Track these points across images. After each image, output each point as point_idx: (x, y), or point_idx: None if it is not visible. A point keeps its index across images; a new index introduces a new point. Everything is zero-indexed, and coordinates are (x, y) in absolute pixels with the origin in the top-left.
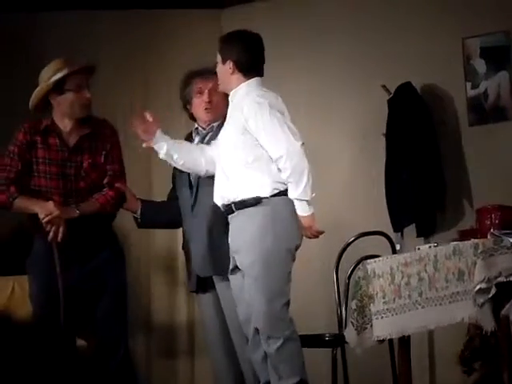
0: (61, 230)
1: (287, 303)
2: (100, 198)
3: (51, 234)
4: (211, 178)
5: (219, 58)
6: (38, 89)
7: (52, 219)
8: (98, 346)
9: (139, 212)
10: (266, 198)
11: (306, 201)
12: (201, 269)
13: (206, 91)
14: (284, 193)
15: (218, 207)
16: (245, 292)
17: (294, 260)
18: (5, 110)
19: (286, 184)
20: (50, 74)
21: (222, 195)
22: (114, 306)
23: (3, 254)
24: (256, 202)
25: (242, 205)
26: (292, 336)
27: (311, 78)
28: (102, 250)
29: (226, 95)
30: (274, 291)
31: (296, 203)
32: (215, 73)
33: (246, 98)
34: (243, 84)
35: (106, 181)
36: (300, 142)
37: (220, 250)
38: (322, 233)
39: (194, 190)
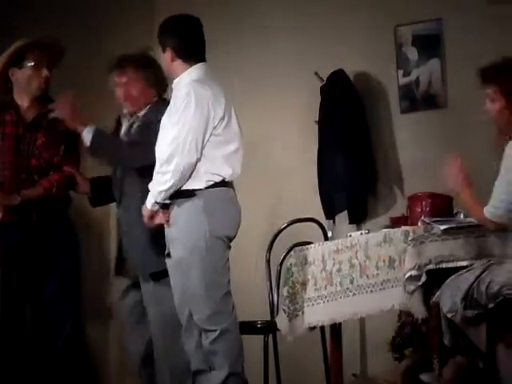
0: None
1: (226, 294)
2: (44, 182)
3: None
4: (138, 168)
5: (160, 48)
6: None
7: None
8: (44, 323)
9: (90, 192)
10: (200, 189)
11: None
12: (134, 268)
13: (121, 86)
14: (219, 184)
15: (143, 201)
16: (178, 280)
17: (228, 249)
18: None
19: (220, 176)
20: (11, 49)
21: None
22: (61, 286)
23: None
24: (190, 193)
25: (177, 196)
26: (229, 327)
27: (246, 65)
28: (53, 235)
29: (152, 83)
30: (210, 283)
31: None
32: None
33: (181, 89)
34: (185, 73)
35: (55, 161)
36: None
37: (146, 250)
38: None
39: (119, 181)
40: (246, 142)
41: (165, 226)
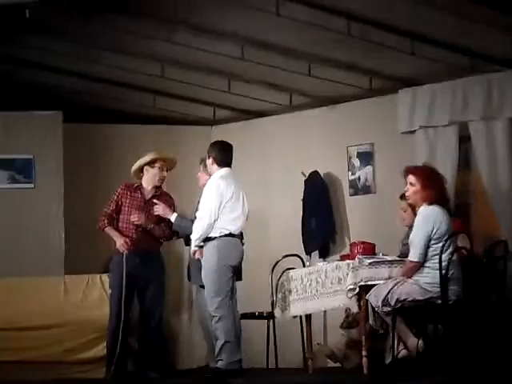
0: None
1: (226, 296)
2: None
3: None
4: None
5: (207, 155)
6: (139, 161)
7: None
8: (145, 313)
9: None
10: (216, 237)
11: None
12: (194, 279)
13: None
14: (227, 235)
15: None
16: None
17: (232, 272)
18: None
19: (228, 230)
20: (149, 156)
21: None
22: (155, 292)
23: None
24: (210, 239)
25: (205, 241)
26: (225, 315)
27: (265, 169)
28: (154, 259)
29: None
30: (217, 290)
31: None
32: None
33: (211, 181)
34: (216, 172)
35: (160, 221)
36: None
37: (199, 271)
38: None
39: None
40: (261, 209)
41: (200, 257)
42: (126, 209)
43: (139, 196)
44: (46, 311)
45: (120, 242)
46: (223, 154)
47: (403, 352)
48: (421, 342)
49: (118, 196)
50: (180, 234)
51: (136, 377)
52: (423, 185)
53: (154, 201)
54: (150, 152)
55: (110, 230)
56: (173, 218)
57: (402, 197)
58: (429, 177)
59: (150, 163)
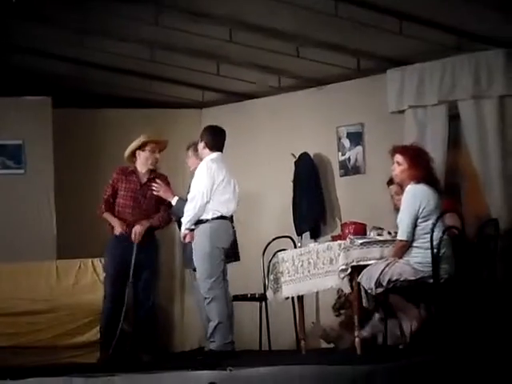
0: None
1: (218, 278)
2: (156, 217)
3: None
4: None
5: (199, 139)
6: (130, 145)
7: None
8: (139, 296)
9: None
10: (208, 219)
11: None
12: (189, 264)
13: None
14: (219, 217)
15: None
16: (198, 270)
17: (223, 254)
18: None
19: (220, 212)
20: (140, 139)
21: None
22: (149, 276)
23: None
24: (202, 222)
25: (196, 223)
26: (217, 296)
27: (255, 151)
28: (148, 244)
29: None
30: (208, 273)
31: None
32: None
33: (203, 164)
34: (207, 156)
35: (156, 206)
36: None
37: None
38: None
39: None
40: (252, 191)
41: (192, 241)
42: (122, 193)
43: (135, 179)
44: (38, 296)
45: (117, 227)
46: (215, 139)
47: (414, 325)
48: (422, 311)
49: (113, 181)
50: (176, 217)
51: (129, 360)
52: (410, 164)
53: (156, 180)
54: (140, 136)
55: (107, 216)
56: (174, 200)
57: (390, 182)
58: (416, 156)
59: (141, 147)
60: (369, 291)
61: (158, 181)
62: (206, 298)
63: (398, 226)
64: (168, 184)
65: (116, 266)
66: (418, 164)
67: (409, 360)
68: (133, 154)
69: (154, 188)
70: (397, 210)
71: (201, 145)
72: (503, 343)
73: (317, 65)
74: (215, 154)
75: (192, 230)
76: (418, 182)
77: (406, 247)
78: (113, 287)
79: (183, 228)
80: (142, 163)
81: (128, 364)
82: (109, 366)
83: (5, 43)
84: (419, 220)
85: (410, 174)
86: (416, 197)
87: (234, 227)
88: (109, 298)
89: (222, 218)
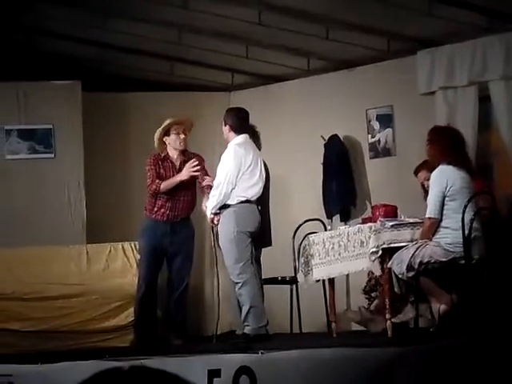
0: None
1: (246, 262)
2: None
3: None
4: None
5: (223, 122)
6: (155, 135)
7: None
8: (174, 278)
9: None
10: (233, 204)
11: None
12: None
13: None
14: (244, 202)
15: None
16: (224, 256)
17: (250, 238)
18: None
19: (245, 197)
20: (164, 125)
21: None
22: (184, 259)
23: None
24: (228, 206)
25: (221, 208)
26: (247, 281)
27: (284, 134)
28: (184, 228)
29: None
30: (236, 257)
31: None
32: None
33: (229, 148)
34: (233, 139)
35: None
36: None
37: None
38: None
39: None
40: (282, 175)
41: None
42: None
43: (170, 165)
44: (68, 280)
45: (185, 171)
46: (240, 121)
47: (443, 307)
48: (454, 295)
49: (151, 166)
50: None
51: (160, 343)
52: (444, 144)
53: (192, 161)
54: (164, 122)
55: (167, 182)
56: (207, 180)
57: (417, 171)
58: (450, 136)
59: (167, 132)
60: (400, 276)
61: (193, 161)
62: (236, 283)
63: (428, 204)
64: (203, 161)
65: (151, 250)
66: (451, 146)
67: (440, 342)
68: (163, 143)
69: (192, 170)
70: (427, 196)
71: (225, 128)
72: None
73: (346, 46)
74: (241, 137)
75: (218, 214)
76: (448, 163)
77: (434, 225)
78: (148, 270)
79: (208, 212)
80: (172, 147)
81: (159, 347)
82: (140, 350)
83: (35, 27)
84: (446, 198)
85: (443, 155)
86: (442, 175)
87: (259, 209)
88: (143, 280)
89: (247, 201)
